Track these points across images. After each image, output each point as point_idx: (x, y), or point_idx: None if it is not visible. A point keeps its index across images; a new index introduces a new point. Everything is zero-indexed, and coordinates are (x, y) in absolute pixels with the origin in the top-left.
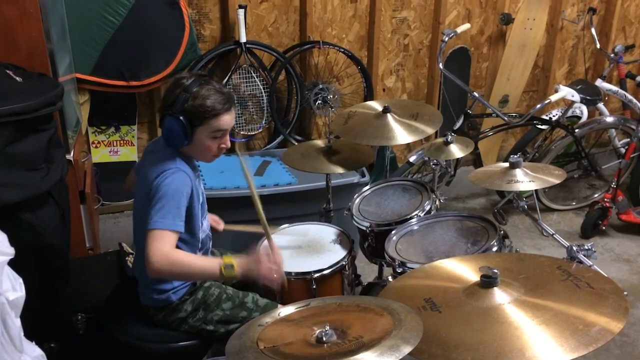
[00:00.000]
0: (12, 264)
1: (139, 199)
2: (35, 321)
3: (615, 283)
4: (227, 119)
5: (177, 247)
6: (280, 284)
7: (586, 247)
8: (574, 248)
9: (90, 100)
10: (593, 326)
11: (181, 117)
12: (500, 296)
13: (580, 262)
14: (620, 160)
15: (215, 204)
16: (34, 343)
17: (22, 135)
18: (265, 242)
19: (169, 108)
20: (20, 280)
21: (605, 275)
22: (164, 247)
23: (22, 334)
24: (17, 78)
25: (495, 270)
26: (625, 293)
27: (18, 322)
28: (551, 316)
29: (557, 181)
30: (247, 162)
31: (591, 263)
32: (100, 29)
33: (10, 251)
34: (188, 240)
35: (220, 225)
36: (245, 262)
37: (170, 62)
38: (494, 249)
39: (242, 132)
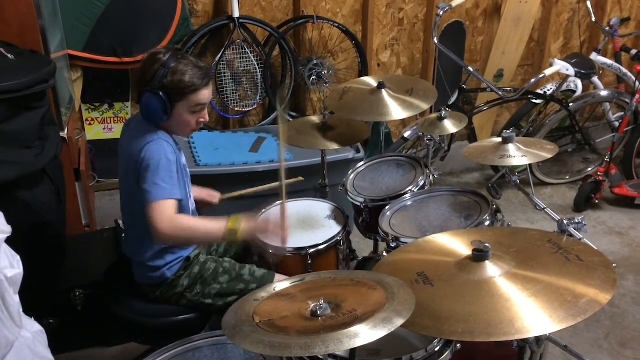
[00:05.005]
0: (9, 241)
1: (124, 177)
2: (34, 297)
3: (604, 255)
4: (206, 94)
5: None
6: (279, 255)
7: (577, 221)
8: (565, 221)
9: (83, 77)
10: (582, 298)
11: (160, 93)
12: (491, 269)
13: (571, 235)
14: (614, 134)
15: (210, 181)
16: (32, 319)
17: (15, 113)
18: (272, 209)
19: (148, 84)
20: (18, 257)
21: (595, 248)
22: (168, 213)
23: (21, 310)
24: (9, 55)
25: (487, 244)
26: (614, 265)
27: (17, 298)
28: (541, 288)
29: (549, 156)
30: (242, 138)
31: (581, 236)
32: (91, 4)
33: (7, 229)
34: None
35: (215, 199)
36: (250, 229)
37: (163, 37)
38: (487, 223)
39: (236, 109)
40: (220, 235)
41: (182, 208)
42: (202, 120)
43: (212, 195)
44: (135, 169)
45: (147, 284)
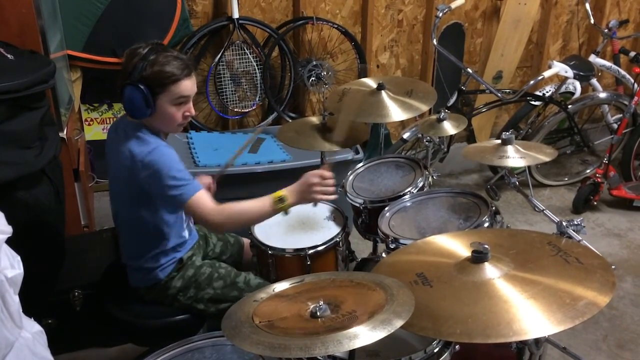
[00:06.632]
0: (8, 242)
1: (117, 182)
2: (33, 298)
3: (603, 258)
4: (188, 85)
5: (160, 228)
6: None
7: (575, 223)
8: (564, 223)
9: (82, 78)
10: (580, 300)
11: (141, 86)
12: (490, 271)
13: (570, 237)
14: (612, 136)
15: None
16: (32, 319)
17: (14, 114)
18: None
19: (128, 78)
20: (18, 258)
21: (594, 251)
22: (208, 205)
23: (21, 310)
24: (9, 55)
25: (486, 246)
26: (613, 267)
27: (17, 298)
28: (539, 290)
29: (547, 159)
30: (242, 139)
31: (580, 238)
32: (90, 4)
33: (8, 229)
34: (171, 215)
35: (207, 179)
36: (296, 190)
37: (162, 38)
38: (486, 224)
39: (235, 110)
40: (270, 207)
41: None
42: (188, 114)
43: (200, 177)
44: (145, 179)
45: (142, 286)
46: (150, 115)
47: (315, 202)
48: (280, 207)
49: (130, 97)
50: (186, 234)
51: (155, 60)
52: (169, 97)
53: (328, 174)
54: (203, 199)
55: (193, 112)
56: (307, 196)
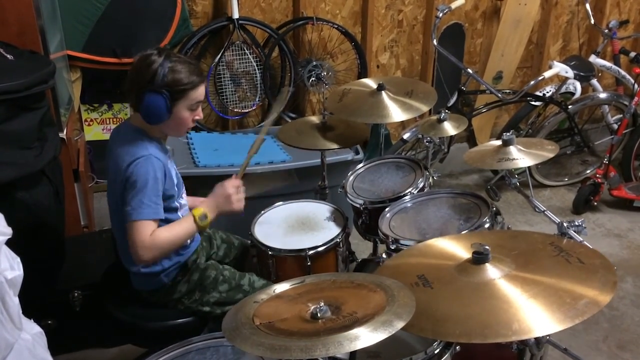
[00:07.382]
0: (8, 242)
1: (112, 186)
2: (33, 299)
3: (605, 258)
4: (202, 90)
5: None
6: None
7: (576, 223)
8: (565, 224)
9: (82, 78)
10: (581, 299)
11: (164, 91)
12: (491, 271)
13: (571, 238)
14: (612, 136)
15: (209, 182)
16: (32, 320)
17: (14, 114)
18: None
19: (149, 84)
20: (18, 259)
21: (597, 251)
22: (146, 237)
23: (21, 311)
24: (8, 56)
25: (487, 247)
26: (614, 268)
27: (16, 300)
28: (540, 290)
29: (550, 155)
30: (242, 139)
31: (581, 239)
32: (90, 4)
33: (8, 231)
34: (169, 221)
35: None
36: (214, 204)
37: (162, 38)
38: (486, 225)
39: (235, 110)
40: (194, 226)
41: (173, 217)
42: (197, 117)
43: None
44: (122, 182)
45: (145, 289)
46: (165, 121)
47: (235, 213)
48: (205, 223)
49: (153, 104)
50: None
51: (174, 68)
52: (187, 102)
53: (239, 182)
54: (146, 227)
55: (201, 115)
56: (225, 207)
